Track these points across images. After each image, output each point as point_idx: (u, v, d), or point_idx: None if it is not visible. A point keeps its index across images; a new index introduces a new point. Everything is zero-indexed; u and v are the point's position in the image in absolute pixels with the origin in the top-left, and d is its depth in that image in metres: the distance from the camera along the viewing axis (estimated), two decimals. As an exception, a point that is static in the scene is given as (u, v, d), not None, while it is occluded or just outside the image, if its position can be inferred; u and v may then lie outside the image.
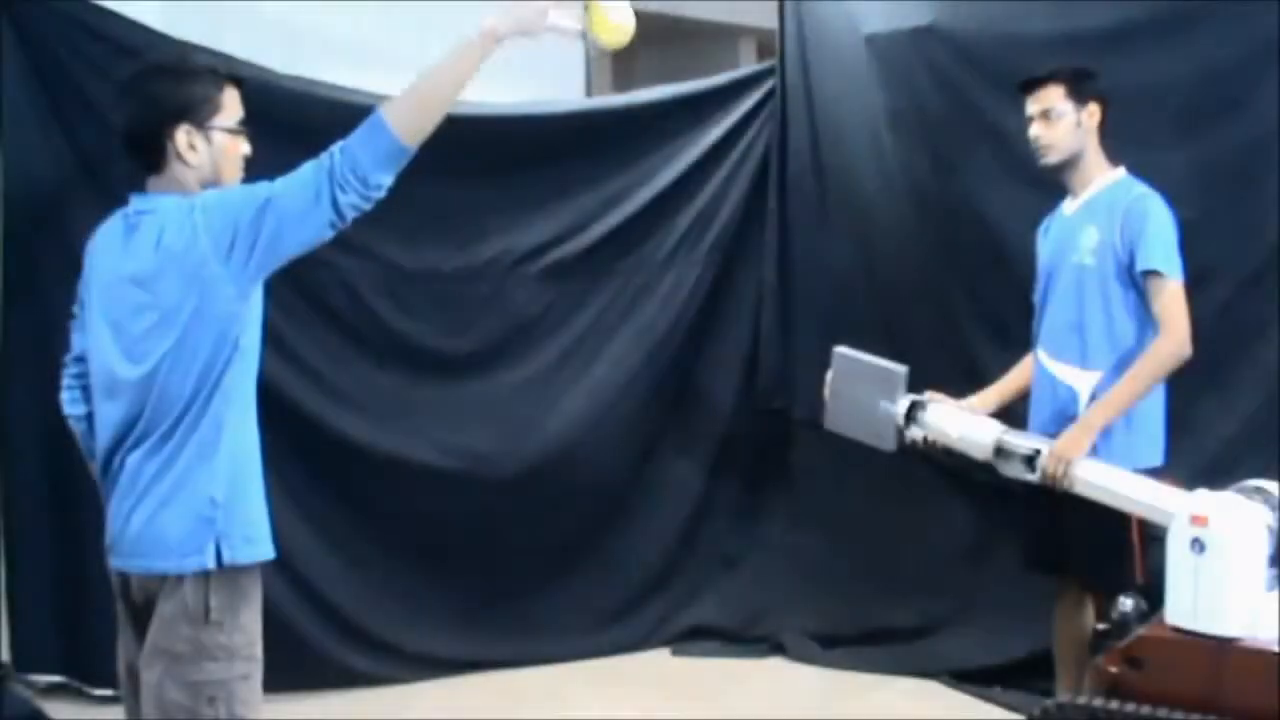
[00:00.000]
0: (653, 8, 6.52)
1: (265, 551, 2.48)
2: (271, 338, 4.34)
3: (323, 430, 4.38)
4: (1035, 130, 3.46)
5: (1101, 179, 3.43)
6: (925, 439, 3.33)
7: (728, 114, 4.86)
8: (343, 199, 2.44)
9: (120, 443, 2.43)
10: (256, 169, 4.30)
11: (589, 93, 5.98)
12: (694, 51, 6.97)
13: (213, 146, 2.47)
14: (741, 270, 4.89)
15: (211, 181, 2.48)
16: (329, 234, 2.46)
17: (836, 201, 4.74)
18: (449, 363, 4.61)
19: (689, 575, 4.89)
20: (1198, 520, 2.50)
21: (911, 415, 3.28)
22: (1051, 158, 3.45)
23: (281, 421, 4.31)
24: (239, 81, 2.53)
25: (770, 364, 4.85)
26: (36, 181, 4.04)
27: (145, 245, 2.39)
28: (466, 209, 4.59)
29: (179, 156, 2.44)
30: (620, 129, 4.81)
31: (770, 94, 4.87)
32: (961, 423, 3.28)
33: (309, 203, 2.41)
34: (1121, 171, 3.44)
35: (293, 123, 4.24)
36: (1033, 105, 3.46)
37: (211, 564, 2.38)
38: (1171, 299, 3.24)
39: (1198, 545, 2.48)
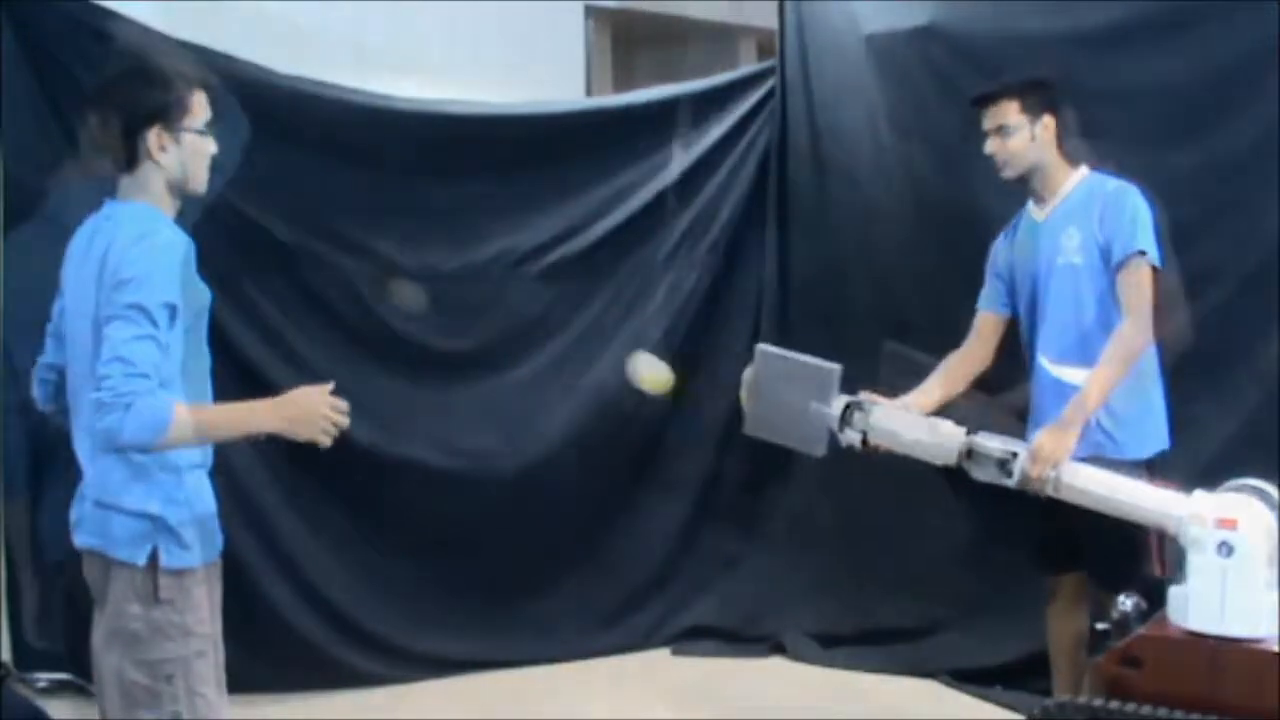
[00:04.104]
0: (653, 8, 6.53)
1: (202, 557, 2.52)
2: (271, 338, 4.40)
3: (323, 430, 4.37)
4: (991, 146, 3.47)
5: (1070, 181, 3.44)
6: (865, 442, 3.21)
7: (728, 114, 4.86)
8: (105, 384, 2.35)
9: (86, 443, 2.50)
10: (258, 168, 4.32)
11: (589, 93, 5.99)
12: (694, 51, 6.97)
13: (182, 148, 2.53)
14: (741, 270, 4.89)
15: (180, 182, 2.55)
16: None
17: (836, 201, 4.74)
18: (449, 363, 4.61)
19: (689, 575, 4.89)
20: (1226, 524, 2.48)
21: (847, 417, 3.18)
22: (1009, 172, 3.47)
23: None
24: (207, 84, 2.60)
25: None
26: (36, 180, 4.04)
27: (97, 251, 2.46)
28: (466, 209, 4.59)
29: (150, 157, 2.50)
30: (620, 129, 4.81)
31: (770, 94, 4.88)
32: (914, 426, 3.19)
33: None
34: (1084, 170, 3.45)
35: (293, 123, 4.27)
36: (987, 121, 3.46)
37: (144, 563, 2.43)
38: (1140, 282, 3.23)
39: (1225, 549, 2.47)
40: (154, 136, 2.50)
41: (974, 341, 3.64)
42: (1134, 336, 3.22)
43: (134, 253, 2.39)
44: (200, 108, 2.56)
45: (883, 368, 3.78)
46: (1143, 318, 3.22)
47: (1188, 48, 3.91)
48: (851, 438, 3.20)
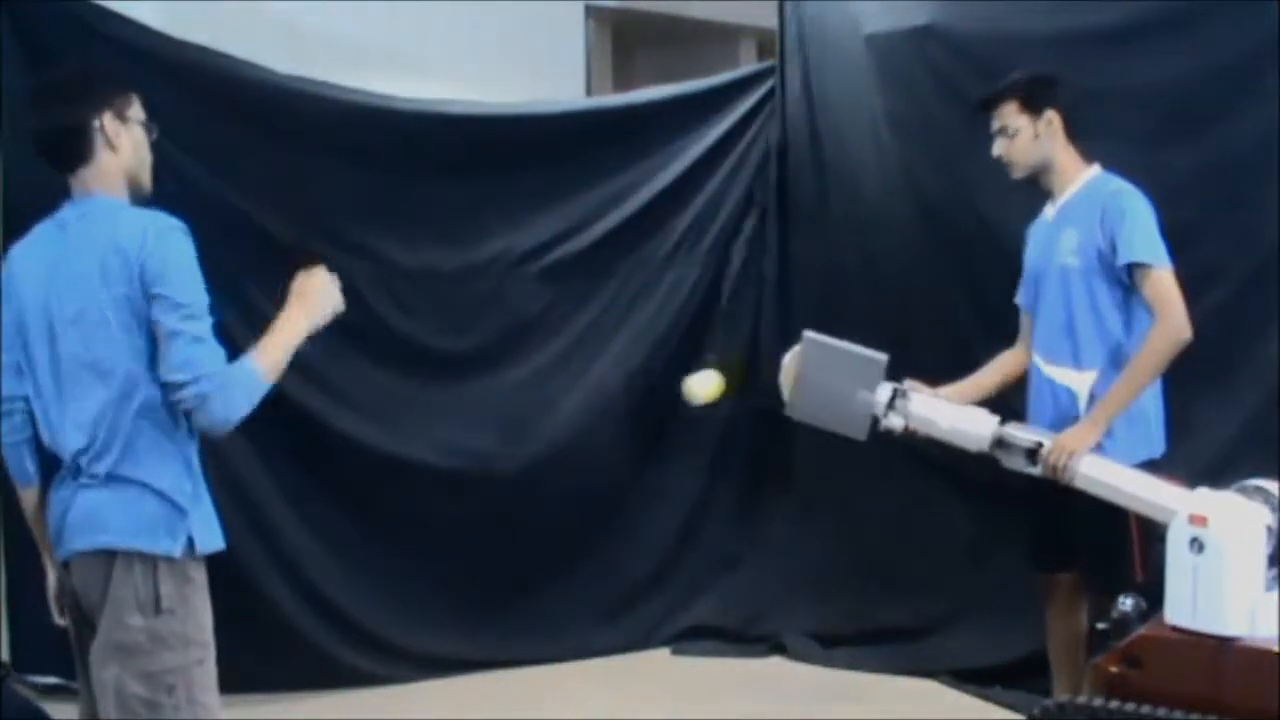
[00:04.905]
0: (653, 8, 6.53)
1: (220, 542, 2.56)
2: (271, 337, 4.37)
3: (323, 430, 4.38)
4: (997, 148, 3.49)
5: (1077, 179, 3.44)
6: (906, 428, 3.31)
7: (728, 114, 4.86)
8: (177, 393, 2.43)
9: (86, 441, 2.46)
10: (258, 168, 4.33)
11: (589, 93, 5.99)
12: (694, 51, 6.97)
13: (132, 137, 2.55)
14: (741, 270, 4.89)
15: (134, 173, 2.56)
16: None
17: (836, 201, 4.74)
18: (449, 362, 4.61)
19: (689, 575, 4.88)
20: (1197, 520, 2.50)
21: (890, 404, 3.27)
22: (1017, 173, 3.49)
23: (282, 421, 4.34)
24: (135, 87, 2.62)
25: (770, 364, 4.85)
26: (37, 181, 4.04)
27: (93, 250, 2.44)
28: (467, 209, 4.60)
29: (110, 144, 2.51)
30: (620, 129, 4.81)
31: (770, 94, 4.88)
32: (951, 414, 3.28)
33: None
34: (1096, 169, 3.45)
35: (293, 123, 4.27)
36: (993, 123, 3.48)
37: (180, 553, 2.43)
38: (1161, 285, 3.24)
39: (1196, 545, 2.48)
40: (110, 121, 2.51)
41: (1019, 339, 3.68)
42: (1166, 337, 3.23)
43: (161, 248, 2.43)
44: (138, 105, 2.58)
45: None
46: (1168, 322, 3.22)
47: (1188, 48, 3.91)
48: (894, 423, 3.31)
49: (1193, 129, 3.91)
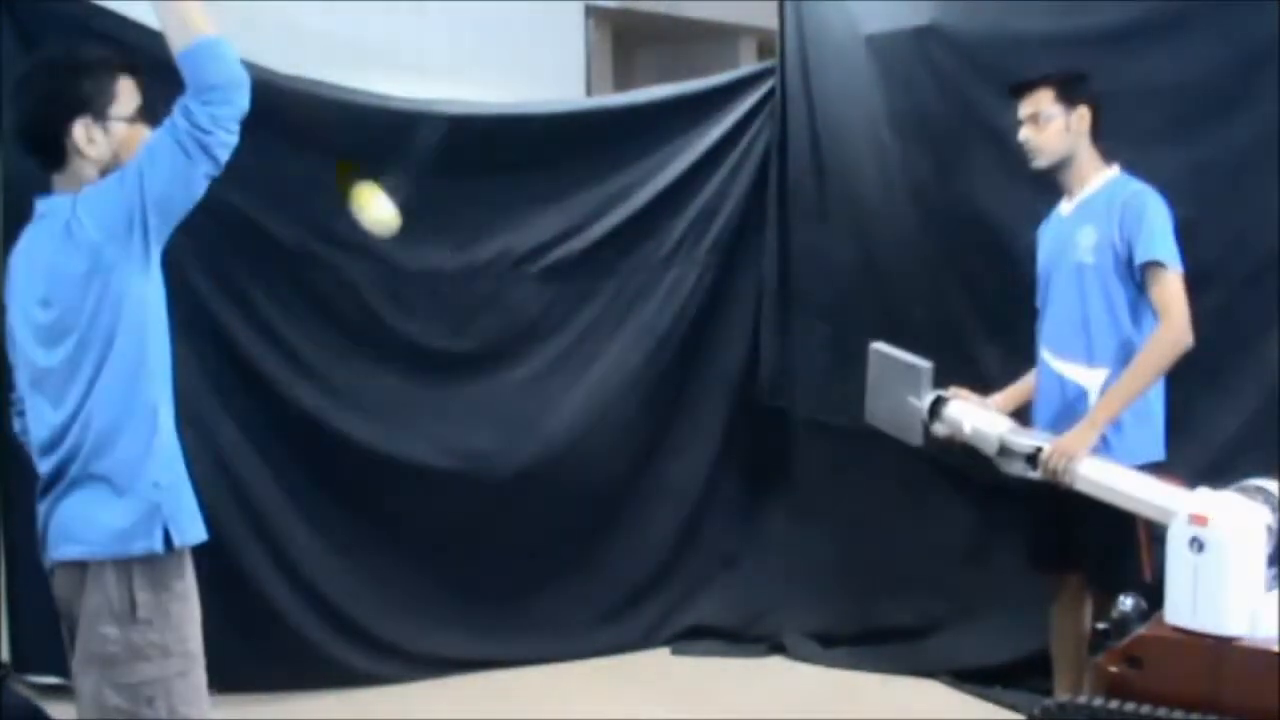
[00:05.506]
0: (653, 8, 6.52)
1: (202, 533, 2.48)
2: (272, 338, 4.40)
3: (323, 430, 4.38)
4: (1024, 134, 3.48)
5: (1097, 178, 3.45)
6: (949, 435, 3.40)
7: (728, 114, 4.86)
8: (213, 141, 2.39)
9: (59, 439, 2.43)
10: (259, 169, 4.31)
11: (589, 93, 5.99)
12: (694, 51, 6.96)
13: (111, 137, 2.43)
14: (741, 270, 4.90)
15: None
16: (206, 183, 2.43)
17: (836, 201, 4.74)
18: (449, 363, 4.61)
19: (689, 575, 4.89)
20: (1197, 519, 2.50)
21: (936, 410, 3.34)
22: (1041, 161, 3.48)
23: (282, 421, 4.35)
24: (134, 68, 2.51)
25: (770, 364, 4.85)
26: (37, 181, 4.03)
27: (48, 246, 2.40)
28: (466, 209, 4.59)
29: (79, 152, 2.41)
30: (620, 129, 4.81)
31: (770, 94, 4.88)
32: (975, 417, 3.33)
33: (183, 162, 2.37)
34: (1115, 170, 3.45)
35: (293, 123, 4.27)
36: (1023, 109, 3.48)
37: (160, 547, 2.37)
38: (1169, 289, 3.26)
39: (1197, 544, 2.49)
40: (80, 129, 2.40)
41: None
42: (1168, 340, 3.25)
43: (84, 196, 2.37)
44: (128, 93, 2.46)
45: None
46: (1171, 327, 3.24)
47: (1188, 48, 3.91)
48: (940, 430, 3.41)
49: (1192, 129, 3.91)
